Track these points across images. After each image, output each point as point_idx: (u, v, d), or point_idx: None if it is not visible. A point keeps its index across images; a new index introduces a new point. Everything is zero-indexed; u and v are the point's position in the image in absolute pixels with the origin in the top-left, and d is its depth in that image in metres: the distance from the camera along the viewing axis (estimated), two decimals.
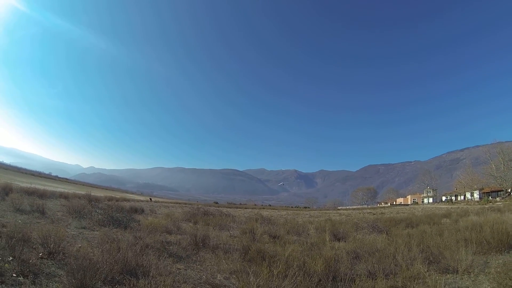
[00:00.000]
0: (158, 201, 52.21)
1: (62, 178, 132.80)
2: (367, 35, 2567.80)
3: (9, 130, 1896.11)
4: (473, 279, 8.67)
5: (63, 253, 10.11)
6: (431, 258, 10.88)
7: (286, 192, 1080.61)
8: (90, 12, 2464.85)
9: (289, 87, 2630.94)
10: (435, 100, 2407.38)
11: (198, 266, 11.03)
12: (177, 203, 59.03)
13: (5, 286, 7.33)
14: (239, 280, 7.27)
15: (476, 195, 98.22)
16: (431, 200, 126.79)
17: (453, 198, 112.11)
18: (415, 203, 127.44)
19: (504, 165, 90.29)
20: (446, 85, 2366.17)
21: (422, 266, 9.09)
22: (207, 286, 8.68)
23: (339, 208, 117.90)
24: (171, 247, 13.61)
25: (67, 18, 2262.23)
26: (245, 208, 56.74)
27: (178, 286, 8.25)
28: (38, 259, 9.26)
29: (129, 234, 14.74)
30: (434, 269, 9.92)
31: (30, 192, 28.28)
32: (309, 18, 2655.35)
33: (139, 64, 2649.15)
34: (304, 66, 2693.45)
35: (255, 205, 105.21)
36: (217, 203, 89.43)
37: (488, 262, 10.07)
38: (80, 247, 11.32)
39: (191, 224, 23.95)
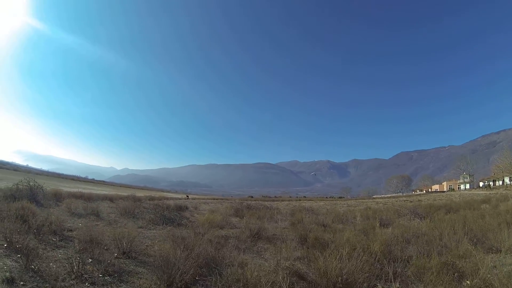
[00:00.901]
0: (195, 198, 52.58)
1: (99, 180, 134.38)
2: (395, 32, 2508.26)
3: (44, 139, 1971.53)
4: None
5: (135, 252, 11.23)
6: (475, 240, 11.74)
7: (320, 183, 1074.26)
8: (109, 28, 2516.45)
9: (323, 88, 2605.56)
10: (468, 89, 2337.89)
11: (262, 256, 12.24)
12: (214, 199, 59.50)
13: (96, 286, 8.07)
14: (309, 265, 8.32)
15: None
16: (468, 186, 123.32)
17: (491, 183, 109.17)
18: (451, 189, 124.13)
19: None
20: (479, 75, 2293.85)
21: (469, 246, 10.08)
22: (285, 270, 9.05)
23: (374, 196, 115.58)
24: (230, 241, 14.54)
25: (85, 35, 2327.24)
26: (282, 201, 56.38)
27: (258, 274, 8.52)
28: (115, 259, 10.18)
29: (189, 231, 15.87)
30: (478, 249, 10.77)
31: (78, 196, 28.76)
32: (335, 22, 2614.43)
33: (160, 72, 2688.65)
34: (329, 64, 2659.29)
35: (290, 197, 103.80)
36: (252, 197, 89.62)
37: None
38: (146, 245, 12.61)
39: (238, 219, 24.96)
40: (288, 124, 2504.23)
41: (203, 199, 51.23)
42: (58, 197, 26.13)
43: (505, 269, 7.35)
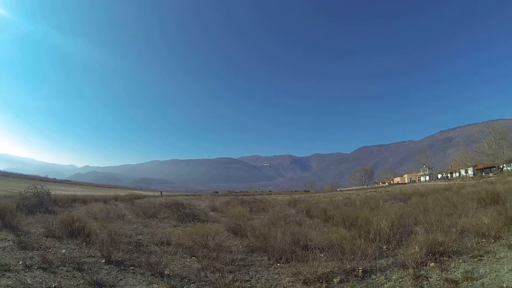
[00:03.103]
0: (171, 195, 54.41)
1: (64, 180, 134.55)
2: (351, 26, 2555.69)
3: (0, 137, 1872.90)
4: (478, 218, 14.31)
5: (169, 244, 13.23)
6: (449, 211, 16.58)
7: (282, 177, 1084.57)
8: (71, 14, 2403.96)
9: (278, 79, 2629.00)
10: (427, 85, 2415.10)
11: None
12: (187, 195, 61.75)
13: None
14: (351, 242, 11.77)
15: (470, 171, 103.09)
16: (427, 178, 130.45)
17: (449, 175, 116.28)
18: (412, 181, 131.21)
19: (495, 143, 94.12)
20: (437, 71, 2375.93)
21: (448, 211, 14.96)
22: (336, 247, 10.14)
23: (339, 189, 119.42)
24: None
25: (47, 22, 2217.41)
26: (253, 195, 58.39)
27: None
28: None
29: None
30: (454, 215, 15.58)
31: (73, 200, 29.45)
32: (302, 15, 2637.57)
33: (123, 64, 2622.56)
34: (290, 58, 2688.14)
35: (256, 191, 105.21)
36: (217, 192, 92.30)
37: (486, 210, 15.78)
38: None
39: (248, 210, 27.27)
40: (249, 118, 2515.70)
41: (179, 195, 53.74)
42: (57, 202, 26.34)
43: (473, 222, 11.92)
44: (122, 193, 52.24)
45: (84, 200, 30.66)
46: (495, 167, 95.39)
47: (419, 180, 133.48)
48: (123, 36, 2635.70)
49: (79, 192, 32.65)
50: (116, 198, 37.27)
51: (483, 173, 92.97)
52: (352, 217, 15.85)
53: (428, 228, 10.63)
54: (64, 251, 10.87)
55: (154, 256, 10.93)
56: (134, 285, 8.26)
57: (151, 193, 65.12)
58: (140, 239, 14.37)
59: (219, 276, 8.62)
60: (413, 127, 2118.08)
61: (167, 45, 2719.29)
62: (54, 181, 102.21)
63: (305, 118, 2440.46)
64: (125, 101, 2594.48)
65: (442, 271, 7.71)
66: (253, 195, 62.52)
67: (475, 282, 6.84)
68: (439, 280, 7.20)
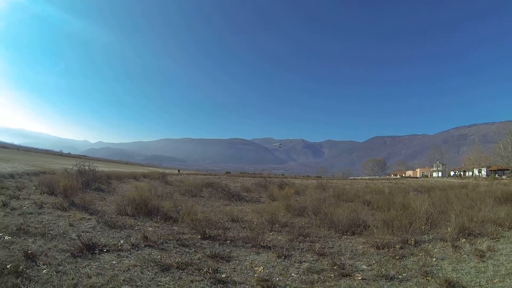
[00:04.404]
0: (190, 174, 52.84)
1: (80, 155, 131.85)
2: (373, 10, 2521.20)
3: (15, 111, 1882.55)
4: (495, 212, 17.15)
5: (240, 221, 15.06)
6: (469, 205, 19.54)
7: (294, 161, 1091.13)
8: None
9: (295, 61, 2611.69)
10: (445, 78, 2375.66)
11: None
12: (205, 174, 61.37)
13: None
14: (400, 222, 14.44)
15: (483, 172, 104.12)
16: (440, 174, 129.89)
17: (462, 173, 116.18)
18: (424, 176, 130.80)
19: (511, 146, 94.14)
20: (456, 64, 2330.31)
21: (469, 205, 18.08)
22: (388, 225, 13.17)
23: (354, 178, 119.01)
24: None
25: (63, 3, 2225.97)
26: (270, 178, 55.63)
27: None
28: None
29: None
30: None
31: (108, 176, 28.45)
32: None
33: (140, 43, 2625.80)
34: (310, 41, 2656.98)
35: (269, 173, 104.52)
36: (229, 172, 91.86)
37: (501, 207, 18.67)
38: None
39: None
40: (263, 99, 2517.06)
41: (197, 174, 53.46)
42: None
43: (491, 215, 15.05)
44: (138, 169, 53.31)
45: (118, 177, 30.35)
46: (509, 169, 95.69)
47: (431, 175, 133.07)
48: (140, 17, 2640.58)
49: (100, 168, 31.44)
50: (145, 176, 36.23)
51: (497, 174, 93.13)
52: (389, 203, 18.93)
53: (457, 216, 13.69)
54: (150, 229, 11.64)
55: (235, 231, 12.80)
56: (245, 255, 9.53)
57: (168, 171, 64.48)
58: (211, 216, 15.24)
59: (308, 245, 10.94)
60: (428, 120, 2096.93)
61: (184, 23, 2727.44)
62: (70, 156, 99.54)
63: (319, 101, 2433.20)
64: (141, 79, 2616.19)
65: (471, 245, 10.89)
66: (269, 177, 59.41)
67: (495, 252, 9.97)
68: (470, 249, 10.34)
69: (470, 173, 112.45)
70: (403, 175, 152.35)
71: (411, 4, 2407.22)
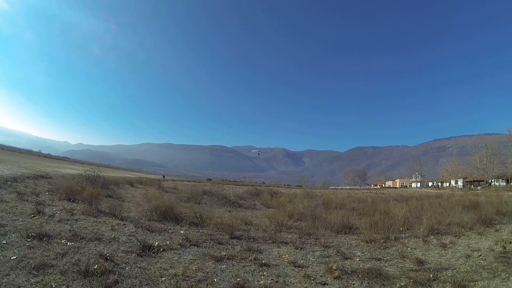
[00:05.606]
0: (175, 180, 53.94)
1: (61, 156, 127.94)
2: (356, 23, 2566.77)
3: None
4: (460, 217, 20.38)
5: (252, 224, 17.16)
6: (440, 211, 22.91)
7: (274, 170, 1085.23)
8: None
9: (279, 72, 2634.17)
10: (426, 91, 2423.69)
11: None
12: (189, 180, 62.74)
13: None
14: (382, 223, 18.37)
15: (460, 183, 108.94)
16: (419, 185, 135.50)
17: (439, 184, 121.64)
18: (403, 186, 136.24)
19: (487, 158, 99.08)
20: (437, 77, 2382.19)
21: (440, 211, 21.50)
22: (372, 226, 19.67)
23: (334, 188, 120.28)
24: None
25: None
26: (252, 186, 56.12)
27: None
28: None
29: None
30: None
31: (107, 181, 26.64)
32: (306, 8, 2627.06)
33: (130, 41, 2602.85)
34: (293, 52, 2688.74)
35: (250, 181, 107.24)
36: (210, 179, 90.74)
37: (467, 213, 21.95)
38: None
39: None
40: (246, 106, 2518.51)
41: (182, 181, 54.01)
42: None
43: (457, 219, 18.43)
44: (124, 174, 52.74)
45: (115, 182, 30.00)
46: (484, 181, 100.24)
47: (410, 186, 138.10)
48: (127, 13, 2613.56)
49: (75, 171, 31.45)
50: (140, 181, 36.84)
51: (472, 185, 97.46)
52: (372, 210, 22.09)
53: (428, 219, 16.99)
54: (182, 232, 12.92)
55: (252, 232, 14.78)
56: (270, 248, 12.00)
57: (153, 176, 64.37)
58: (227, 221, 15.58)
59: (314, 241, 13.84)
60: (408, 132, 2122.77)
61: (173, 26, 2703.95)
62: (50, 157, 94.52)
63: (301, 112, 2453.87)
64: (127, 81, 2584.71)
65: (438, 240, 14.20)
66: (258, 186, 60.96)
67: (455, 244, 13.30)
68: (437, 243, 13.64)
69: (448, 184, 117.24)
70: (383, 185, 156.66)
71: (392, 18, 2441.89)
